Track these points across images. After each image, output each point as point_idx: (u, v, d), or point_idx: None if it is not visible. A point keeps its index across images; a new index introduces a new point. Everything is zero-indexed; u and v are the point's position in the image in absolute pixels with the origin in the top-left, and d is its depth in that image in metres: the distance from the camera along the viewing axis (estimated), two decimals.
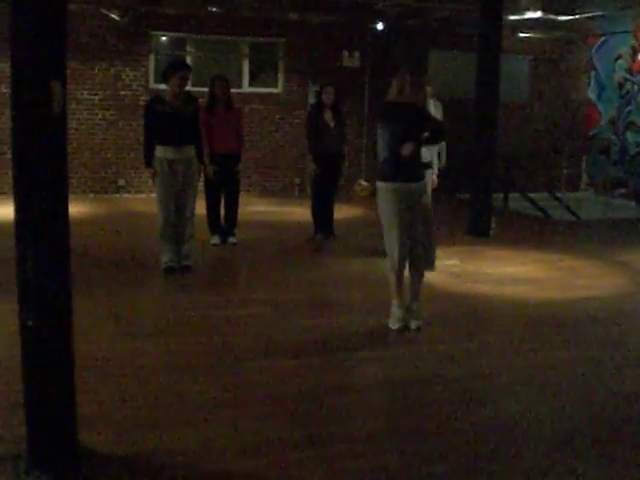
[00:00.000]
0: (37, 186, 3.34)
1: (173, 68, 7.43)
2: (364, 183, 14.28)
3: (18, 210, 3.37)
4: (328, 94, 9.13)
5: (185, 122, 7.42)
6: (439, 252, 8.20)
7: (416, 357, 5.45)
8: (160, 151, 7.38)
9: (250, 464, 3.74)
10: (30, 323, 3.41)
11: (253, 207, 11.77)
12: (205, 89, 9.09)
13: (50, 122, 3.32)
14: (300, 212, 11.17)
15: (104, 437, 3.90)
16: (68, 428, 3.60)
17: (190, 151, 7.49)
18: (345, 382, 4.91)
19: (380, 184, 6.04)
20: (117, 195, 13.22)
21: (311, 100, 13.98)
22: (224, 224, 8.97)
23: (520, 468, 3.82)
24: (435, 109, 8.24)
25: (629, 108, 14.81)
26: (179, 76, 7.32)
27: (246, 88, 13.60)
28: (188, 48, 13.47)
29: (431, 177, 7.66)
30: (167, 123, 7.33)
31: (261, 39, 13.93)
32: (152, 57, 13.32)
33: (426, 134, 6.13)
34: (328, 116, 9.15)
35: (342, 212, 10.85)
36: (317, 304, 6.72)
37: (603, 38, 15.34)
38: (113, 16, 12.54)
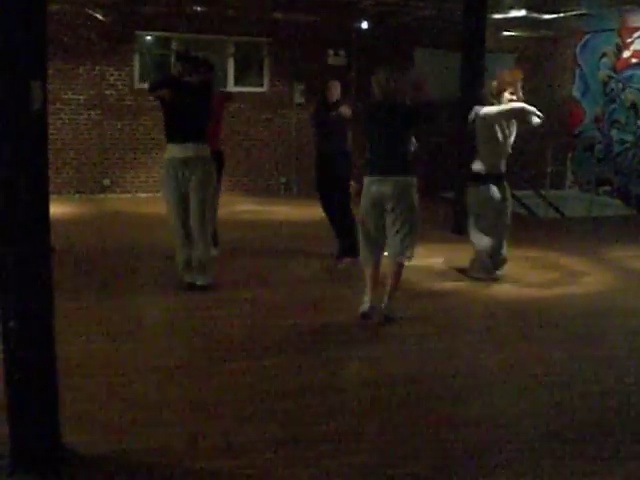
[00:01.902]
0: (18, 186, 3.33)
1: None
2: (352, 183, 14.24)
3: None
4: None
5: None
6: (423, 250, 8.22)
7: (398, 355, 5.47)
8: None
9: (233, 464, 3.74)
10: (12, 324, 3.40)
11: (238, 206, 11.76)
12: None
13: (30, 122, 3.31)
14: (285, 211, 11.20)
15: (88, 438, 3.89)
16: (51, 429, 3.60)
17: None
18: (327, 381, 4.91)
19: (364, 179, 6.26)
20: (102, 195, 13.18)
21: (297, 99, 14.01)
22: None
23: (501, 466, 3.83)
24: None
25: (613, 106, 14.88)
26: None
27: (231, 87, 13.57)
28: (173, 47, 13.44)
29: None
30: None
31: (246, 38, 13.92)
32: (137, 57, 13.29)
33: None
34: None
35: None
36: (301, 303, 6.72)
37: (588, 36, 15.40)
38: (97, 16, 12.50)
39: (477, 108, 7.34)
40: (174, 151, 6.69)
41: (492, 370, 5.29)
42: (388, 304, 6.14)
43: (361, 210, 6.20)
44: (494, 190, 7.42)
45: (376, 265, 6.23)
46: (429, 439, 4.10)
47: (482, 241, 7.54)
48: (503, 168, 7.53)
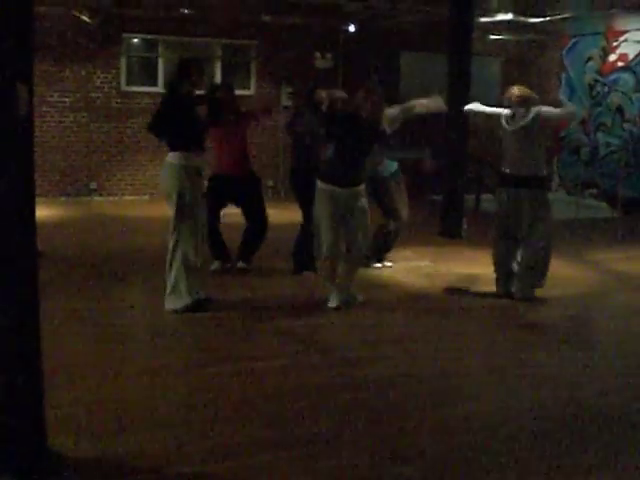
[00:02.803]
0: (4, 188, 3.32)
1: None
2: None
3: None
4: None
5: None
6: (410, 253, 8.26)
7: (387, 357, 5.48)
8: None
9: (223, 467, 3.73)
10: None
11: (225, 210, 11.71)
12: None
13: (16, 125, 3.29)
14: (273, 214, 11.13)
15: (74, 441, 3.87)
16: (37, 431, 3.57)
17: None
18: (316, 383, 4.91)
19: (318, 183, 6.49)
20: (89, 198, 13.14)
21: (284, 102, 14.00)
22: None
23: (489, 467, 3.84)
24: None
25: (599, 109, 14.95)
26: None
27: None
28: (160, 50, 13.43)
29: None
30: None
31: (233, 41, 13.91)
32: (123, 59, 13.27)
33: None
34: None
35: None
36: (290, 305, 6.71)
37: (574, 40, 15.47)
38: (84, 18, 12.47)
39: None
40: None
41: (477, 372, 5.30)
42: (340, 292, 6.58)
43: (319, 218, 6.47)
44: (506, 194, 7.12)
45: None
46: (416, 440, 4.11)
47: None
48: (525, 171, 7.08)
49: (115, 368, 5.01)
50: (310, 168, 7.10)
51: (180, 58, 6.88)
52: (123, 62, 13.26)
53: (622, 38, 14.31)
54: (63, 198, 12.91)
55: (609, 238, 10.85)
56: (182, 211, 6.15)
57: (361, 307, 6.62)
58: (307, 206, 7.14)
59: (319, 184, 6.46)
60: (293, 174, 7.95)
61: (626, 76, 14.32)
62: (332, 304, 6.54)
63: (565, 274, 8.26)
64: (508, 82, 10.25)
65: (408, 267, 8.20)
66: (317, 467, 3.74)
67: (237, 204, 7.99)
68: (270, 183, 14.09)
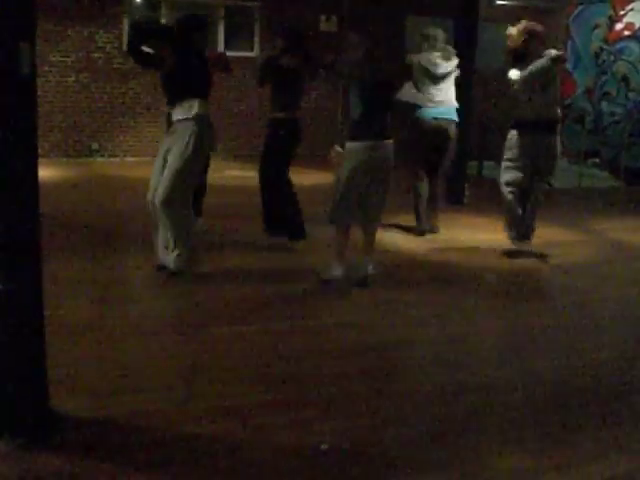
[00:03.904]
0: (6, 149, 3.30)
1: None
2: (339, 149, 14.22)
3: None
4: None
5: None
6: (411, 218, 8.25)
7: (386, 322, 5.49)
8: None
9: (223, 427, 3.76)
10: None
11: (227, 172, 11.71)
12: None
13: (19, 85, 3.27)
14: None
15: (76, 401, 3.90)
16: (39, 392, 3.60)
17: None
18: (316, 347, 4.93)
19: (350, 143, 6.29)
20: (90, 159, 13.10)
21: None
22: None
23: (490, 432, 3.87)
24: None
25: (605, 78, 14.84)
26: None
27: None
28: (163, 11, 13.30)
29: None
30: None
31: (237, 2, 13.78)
32: (126, 19, 13.14)
33: None
34: None
35: (316, 177, 10.85)
36: (286, 270, 6.71)
37: (581, 7, 15.33)
38: None
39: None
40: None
41: (484, 337, 5.33)
42: (371, 262, 6.25)
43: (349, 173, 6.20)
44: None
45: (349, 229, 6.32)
46: (417, 404, 4.13)
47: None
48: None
49: (116, 329, 5.03)
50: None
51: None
52: (125, 22, 13.13)
53: (629, 7, 14.17)
54: (64, 159, 12.87)
55: (611, 208, 10.84)
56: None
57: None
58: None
59: (353, 144, 6.25)
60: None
61: (632, 45, 14.20)
62: (335, 273, 6.22)
63: (567, 242, 8.27)
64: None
65: (409, 232, 8.20)
66: (316, 429, 3.77)
67: None
68: None
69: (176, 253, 6.09)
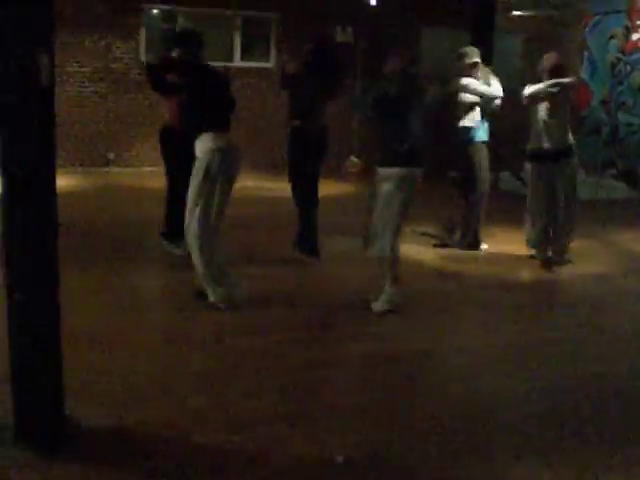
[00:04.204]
0: (25, 158, 3.33)
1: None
2: (355, 159, 14.28)
3: (5, 184, 3.35)
4: None
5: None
6: (427, 230, 8.25)
7: (399, 333, 5.49)
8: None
9: (237, 438, 3.76)
10: (17, 296, 3.40)
11: (242, 182, 11.69)
12: None
13: (38, 94, 3.29)
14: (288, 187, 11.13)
15: (91, 410, 3.90)
16: (55, 400, 3.61)
17: None
18: (331, 357, 4.93)
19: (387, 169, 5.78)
20: (106, 169, 13.15)
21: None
22: None
23: (506, 445, 3.85)
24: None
25: (621, 88, 14.79)
26: None
27: (238, 62, 13.52)
28: (180, 21, 13.36)
29: None
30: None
31: (254, 13, 13.83)
32: (143, 30, 13.22)
33: None
34: None
35: (333, 188, 10.86)
36: (304, 281, 6.71)
37: (597, 18, 15.28)
38: None
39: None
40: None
41: (494, 350, 5.29)
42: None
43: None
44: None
45: None
46: (433, 417, 4.11)
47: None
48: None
49: (132, 338, 5.04)
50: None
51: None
52: (143, 33, 13.21)
53: None
54: (80, 168, 12.92)
55: (629, 219, 10.77)
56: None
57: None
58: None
59: (391, 170, 5.72)
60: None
61: None
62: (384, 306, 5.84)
63: (583, 254, 8.22)
64: (530, 59, 10.21)
65: (426, 245, 8.19)
66: (331, 442, 3.76)
67: None
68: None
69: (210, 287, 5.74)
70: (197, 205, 5.64)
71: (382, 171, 5.79)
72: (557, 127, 7.38)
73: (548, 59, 7.53)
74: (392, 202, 5.68)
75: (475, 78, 7.78)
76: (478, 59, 7.81)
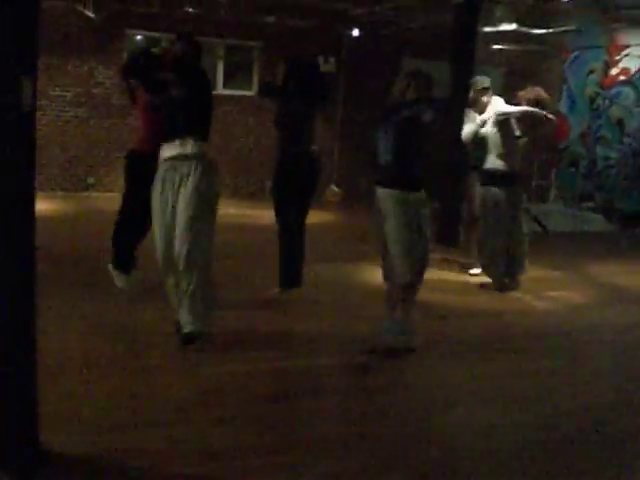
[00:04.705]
0: (4, 182, 3.31)
1: None
2: (335, 188, 14.33)
3: None
4: None
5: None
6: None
7: (383, 363, 5.46)
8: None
9: (215, 467, 3.73)
10: None
11: (224, 209, 11.69)
12: None
13: (19, 119, 3.28)
14: (271, 215, 11.14)
15: (67, 437, 3.86)
16: (30, 428, 3.57)
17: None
18: (306, 387, 4.90)
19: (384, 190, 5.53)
20: (86, 193, 13.11)
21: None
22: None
23: (487, 476, 3.84)
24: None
25: (599, 122, 14.97)
26: None
27: (220, 90, 13.56)
28: (163, 45, 13.38)
29: None
30: None
31: (237, 41, 13.90)
32: (126, 56, 13.22)
33: None
34: None
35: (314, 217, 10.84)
36: (290, 307, 6.68)
37: (576, 52, 15.50)
38: (87, 13, 12.43)
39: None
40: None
41: (477, 381, 5.29)
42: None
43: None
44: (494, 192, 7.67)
45: None
46: (410, 448, 4.10)
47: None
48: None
49: (109, 365, 4.99)
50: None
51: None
52: (125, 58, 13.22)
53: (624, 52, 14.34)
54: (61, 192, 12.87)
55: (606, 251, 10.86)
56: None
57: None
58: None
59: (387, 191, 5.49)
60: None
61: (627, 90, 14.36)
62: (408, 343, 5.63)
63: (562, 286, 8.27)
64: (510, 92, 10.34)
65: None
66: (306, 472, 3.73)
67: None
68: (269, 184, 14.08)
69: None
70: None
71: (382, 192, 5.54)
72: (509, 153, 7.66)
73: (527, 93, 7.63)
74: (390, 226, 5.50)
75: (485, 104, 7.92)
76: (487, 85, 8.02)
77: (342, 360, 5.49)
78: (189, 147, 5.35)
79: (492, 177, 7.67)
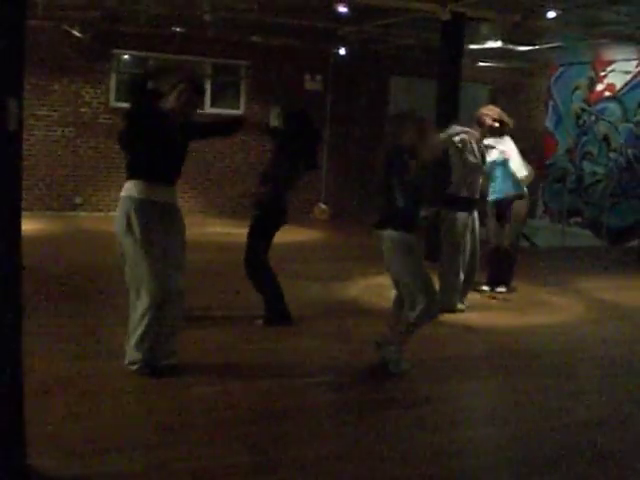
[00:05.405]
0: None
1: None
2: (323, 206, 14.35)
3: None
4: None
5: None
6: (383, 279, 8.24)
7: (369, 381, 5.44)
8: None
9: None
10: None
11: (210, 228, 11.72)
12: None
13: (5, 139, 3.27)
14: None
15: (53, 460, 3.81)
16: (16, 450, 3.52)
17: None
18: (296, 406, 4.87)
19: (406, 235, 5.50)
20: (73, 213, 13.08)
21: (273, 123, 13.91)
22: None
23: None
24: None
25: (585, 138, 15.05)
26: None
27: (208, 109, 13.58)
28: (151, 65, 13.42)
29: None
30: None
31: (224, 60, 13.94)
32: (113, 75, 13.25)
33: None
34: None
35: (302, 235, 10.86)
36: (274, 327, 6.65)
37: (562, 69, 15.61)
38: (75, 33, 12.46)
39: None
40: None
41: (467, 399, 5.28)
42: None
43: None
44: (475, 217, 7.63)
45: None
46: (402, 466, 4.07)
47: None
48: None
49: (95, 387, 4.94)
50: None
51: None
52: (113, 78, 13.25)
53: (609, 68, 14.46)
54: (48, 212, 12.83)
55: (594, 267, 10.89)
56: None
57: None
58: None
59: (409, 235, 5.51)
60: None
61: (613, 106, 14.46)
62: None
63: (549, 302, 8.27)
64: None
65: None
66: None
67: None
68: None
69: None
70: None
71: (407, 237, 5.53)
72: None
73: (490, 111, 7.69)
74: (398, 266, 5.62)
75: (492, 135, 7.84)
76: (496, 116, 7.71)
77: (324, 379, 5.46)
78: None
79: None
